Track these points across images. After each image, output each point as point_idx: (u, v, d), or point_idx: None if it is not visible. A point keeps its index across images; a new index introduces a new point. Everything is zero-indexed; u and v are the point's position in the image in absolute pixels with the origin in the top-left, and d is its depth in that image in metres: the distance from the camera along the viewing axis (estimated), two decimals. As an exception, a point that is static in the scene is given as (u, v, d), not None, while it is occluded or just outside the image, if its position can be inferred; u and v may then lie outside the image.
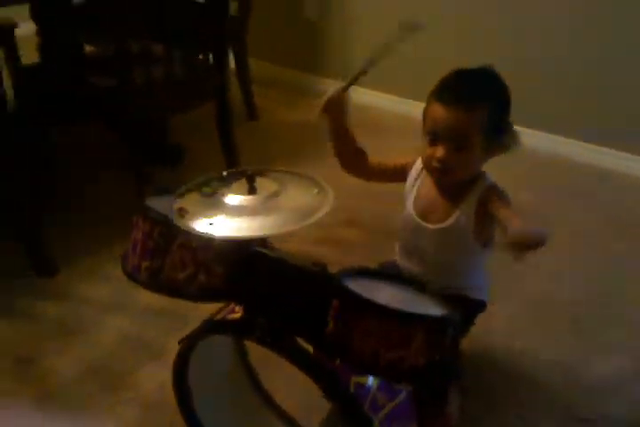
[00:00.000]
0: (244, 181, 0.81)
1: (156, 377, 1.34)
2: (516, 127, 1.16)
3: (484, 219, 1.14)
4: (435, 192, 1.18)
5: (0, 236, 1.72)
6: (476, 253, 1.21)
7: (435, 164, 1.12)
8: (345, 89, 1.14)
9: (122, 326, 1.50)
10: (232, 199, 0.80)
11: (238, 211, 0.78)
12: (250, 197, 0.79)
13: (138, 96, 1.69)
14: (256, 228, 0.75)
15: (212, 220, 0.78)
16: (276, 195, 0.78)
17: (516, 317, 1.56)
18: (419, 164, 1.21)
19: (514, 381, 1.38)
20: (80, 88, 1.81)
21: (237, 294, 0.92)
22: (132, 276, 0.94)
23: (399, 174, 1.24)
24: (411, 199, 1.21)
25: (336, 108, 1.16)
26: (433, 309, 0.85)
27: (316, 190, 0.81)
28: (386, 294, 0.85)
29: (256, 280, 0.90)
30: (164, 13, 1.74)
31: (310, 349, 0.89)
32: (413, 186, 1.22)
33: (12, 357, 1.40)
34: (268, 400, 1.22)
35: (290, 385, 1.29)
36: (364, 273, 0.88)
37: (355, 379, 0.90)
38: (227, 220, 0.77)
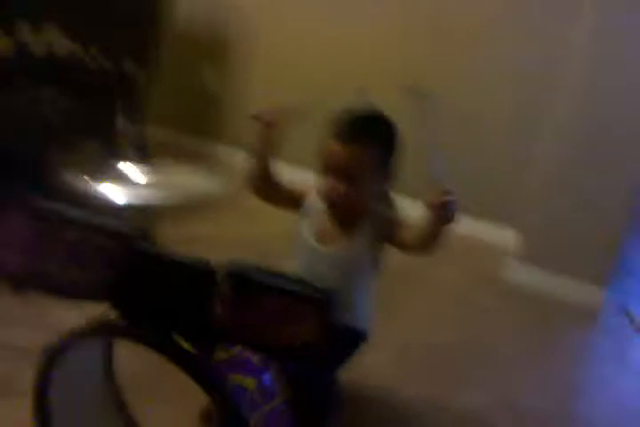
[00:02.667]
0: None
1: (6, 416, 1.22)
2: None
3: (378, 242, 1.23)
4: (332, 220, 1.25)
5: None
6: (366, 279, 1.28)
7: (331, 196, 1.20)
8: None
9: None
10: (125, 168, 0.80)
11: (131, 181, 0.78)
12: (142, 168, 0.80)
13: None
14: (139, 196, 0.75)
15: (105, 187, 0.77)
16: (165, 168, 0.80)
17: (387, 355, 1.61)
18: (315, 194, 1.27)
19: (387, 412, 1.40)
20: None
21: (112, 292, 0.89)
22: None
23: (296, 201, 1.29)
24: (307, 225, 1.27)
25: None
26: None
27: (204, 174, 0.83)
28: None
29: (136, 276, 0.88)
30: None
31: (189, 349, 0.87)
32: (309, 213, 1.27)
33: None
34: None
35: (164, 418, 1.23)
36: (250, 268, 0.89)
37: (232, 377, 0.89)
38: (119, 189, 0.77)
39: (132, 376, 1.20)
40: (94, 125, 1.85)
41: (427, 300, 1.95)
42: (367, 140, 1.18)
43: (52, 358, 0.95)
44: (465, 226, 2.35)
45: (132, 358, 1.18)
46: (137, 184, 0.79)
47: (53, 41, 1.67)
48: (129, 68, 2.15)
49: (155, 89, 2.41)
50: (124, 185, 0.80)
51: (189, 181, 0.82)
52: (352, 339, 1.27)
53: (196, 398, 1.15)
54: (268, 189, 1.27)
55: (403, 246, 1.21)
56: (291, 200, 1.29)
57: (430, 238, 1.13)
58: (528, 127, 2.36)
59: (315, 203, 1.28)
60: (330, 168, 1.19)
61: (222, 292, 0.82)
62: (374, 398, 1.45)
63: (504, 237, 2.30)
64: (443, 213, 1.07)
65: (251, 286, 0.81)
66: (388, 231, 1.22)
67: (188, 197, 0.79)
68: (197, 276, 0.86)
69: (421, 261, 2.11)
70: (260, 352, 0.91)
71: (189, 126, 2.91)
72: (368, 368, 1.52)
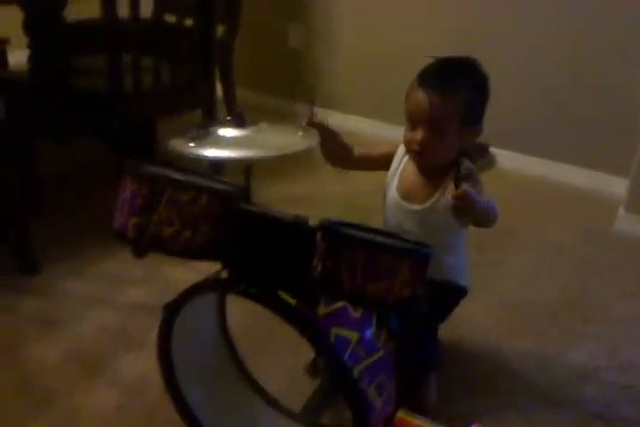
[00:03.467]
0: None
1: (137, 365, 1.35)
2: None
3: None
4: (416, 176, 1.24)
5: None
6: (456, 233, 1.26)
7: (414, 146, 1.18)
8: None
9: (104, 319, 1.50)
10: (222, 133, 0.85)
11: (228, 142, 0.83)
12: (238, 131, 0.85)
13: (127, 99, 1.76)
14: (239, 154, 0.80)
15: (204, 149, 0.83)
16: (261, 130, 0.84)
17: (491, 312, 1.60)
18: (400, 150, 1.28)
19: (491, 369, 1.40)
20: (69, 95, 1.87)
21: (221, 251, 0.95)
22: (119, 233, 0.96)
23: (383, 163, 1.30)
24: (394, 183, 1.27)
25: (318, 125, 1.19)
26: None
27: (300, 133, 0.86)
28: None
29: (240, 235, 0.93)
30: (156, 32, 1.84)
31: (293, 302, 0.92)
32: (397, 171, 1.28)
33: (-9, 346, 1.40)
34: (250, 381, 1.23)
35: (272, 369, 1.31)
36: (344, 224, 0.92)
37: (335, 330, 0.93)
38: (217, 150, 0.82)
39: (244, 331, 1.29)
40: (194, 91, 1.94)
41: (534, 254, 1.90)
42: (452, 87, 1.15)
43: (172, 313, 1.04)
44: (579, 177, 2.31)
45: (243, 314, 1.27)
46: (236, 145, 0.84)
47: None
48: (221, 33, 2.22)
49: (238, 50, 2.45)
50: (224, 147, 0.85)
51: (284, 139, 0.86)
52: (449, 294, 1.27)
53: (302, 351, 1.24)
54: (346, 160, 1.29)
55: None
56: (378, 163, 1.30)
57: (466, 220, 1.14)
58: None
59: (401, 159, 1.27)
60: (415, 117, 1.17)
61: (319, 247, 0.85)
62: (480, 354, 1.45)
63: (619, 188, 2.18)
64: (462, 204, 1.07)
65: (346, 241, 0.84)
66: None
67: (284, 153, 0.83)
68: (297, 232, 0.89)
69: (530, 216, 2.09)
70: (358, 305, 0.94)
71: (274, 87, 2.92)
72: (472, 324, 1.53)
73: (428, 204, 1.22)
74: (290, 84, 2.93)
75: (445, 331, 1.39)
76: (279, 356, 1.37)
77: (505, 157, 2.47)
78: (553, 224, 2.08)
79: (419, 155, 1.20)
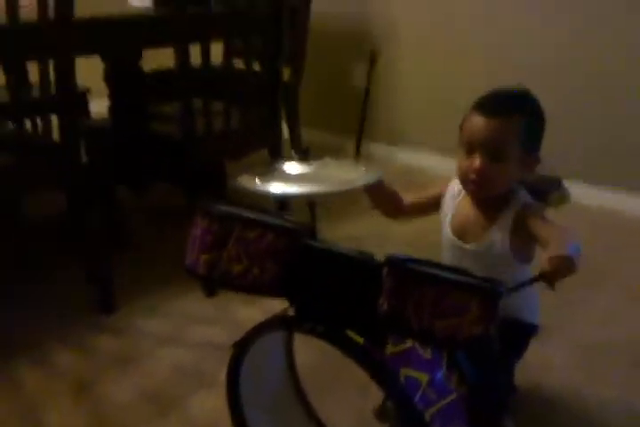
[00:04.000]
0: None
1: (208, 403, 1.36)
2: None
3: (522, 235, 1.13)
4: (471, 210, 1.19)
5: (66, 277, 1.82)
6: (518, 270, 1.19)
7: (471, 175, 1.13)
8: (357, 152, 1.20)
9: (177, 357, 1.53)
10: (288, 168, 0.87)
11: (293, 178, 0.85)
12: (303, 166, 0.86)
13: (199, 143, 1.83)
14: (303, 190, 0.81)
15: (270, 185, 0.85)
16: (325, 165, 0.85)
17: (571, 356, 1.52)
18: (452, 186, 1.24)
19: (571, 418, 1.33)
20: (146, 140, 1.96)
21: (288, 289, 0.95)
22: (191, 269, 0.99)
23: (433, 205, 1.26)
24: (448, 220, 1.22)
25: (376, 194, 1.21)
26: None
27: (364, 168, 0.87)
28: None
29: (306, 273, 0.94)
30: (226, 78, 1.93)
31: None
32: (450, 208, 1.23)
33: (70, 383, 1.44)
34: (317, 423, 1.21)
35: (340, 411, 1.29)
36: (411, 260, 0.90)
37: (405, 371, 0.90)
38: (282, 185, 0.84)
39: (312, 371, 1.28)
40: (262, 133, 2.00)
41: (615, 294, 1.81)
42: (509, 113, 1.12)
43: (240, 351, 1.04)
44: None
45: (311, 354, 1.26)
46: (300, 181, 0.86)
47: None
48: (286, 75, 2.30)
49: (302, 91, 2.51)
50: (289, 182, 0.87)
51: (348, 174, 0.87)
52: (518, 332, 1.21)
53: (371, 393, 1.21)
54: (398, 212, 1.27)
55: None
56: (429, 206, 1.27)
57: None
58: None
59: (454, 195, 1.23)
60: (471, 143, 1.12)
61: (386, 284, 0.84)
62: (556, 399, 1.38)
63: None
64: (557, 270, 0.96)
65: (412, 276, 0.82)
66: (522, 221, 1.12)
67: (348, 187, 0.84)
68: (363, 268, 0.89)
69: (610, 253, 1.99)
70: (426, 344, 0.92)
71: (339, 125, 2.95)
72: (548, 368, 1.46)
73: (483, 242, 1.15)
74: (354, 122, 2.96)
75: (523, 375, 1.33)
76: (347, 398, 1.35)
77: (579, 190, 2.38)
78: (637, 264, 1.98)
79: (476, 185, 1.14)
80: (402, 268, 0.83)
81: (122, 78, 2.06)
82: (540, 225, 1.10)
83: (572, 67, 2.36)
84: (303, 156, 0.89)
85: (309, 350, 1.40)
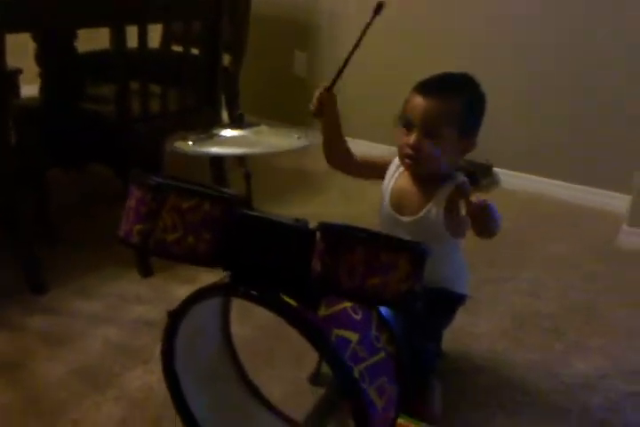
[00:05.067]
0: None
1: (143, 379, 1.36)
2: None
3: (454, 213, 1.21)
4: (408, 186, 1.26)
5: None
6: (448, 243, 1.27)
7: (407, 150, 1.20)
8: (330, 87, 1.24)
9: (111, 335, 1.52)
10: (223, 133, 0.89)
11: (226, 141, 0.87)
12: (238, 132, 0.89)
13: (134, 123, 1.82)
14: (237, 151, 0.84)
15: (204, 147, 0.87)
16: (260, 132, 0.88)
17: (498, 325, 1.61)
18: (396, 161, 1.30)
19: (496, 379, 1.41)
20: (79, 121, 1.93)
21: (223, 257, 0.97)
22: (124, 240, 0.99)
23: (380, 169, 1.32)
24: (387, 194, 1.29)
25: (327, 107, 1.25)
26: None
27: (297, 136, 0.90)
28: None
29: (241, 240, 0.96)
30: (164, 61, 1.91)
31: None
32: (389, 182, 1.30)
33: (1, 363, 1.41)
34: (254, 392, 1.24)
35: (276, 380, 1.32)
36: (344, 226, 0.94)
37: (336, 331, 0.94)
38: (215, 148, 0.86)
39: (248, 342, 1.30)
40: (200, 115, 2.00)
41: (541, 269, 1.91)
42: (449, 94, 1.18)
43: (176, 320, 1.06)
44: (581, 195, 2.34)
45: (248, 326, 1.29)
46: (233, 144, 0.88)
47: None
48: (227, 61, 2.30)
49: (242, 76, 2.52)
50: (222, 145, 0.90)
51: (281, 139, 0.91)
52: (446, 300, 1.28)
53: (305, 364, 1.25)
54: (344, 161, 1.32)
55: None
56: (376, 169, 1.32)
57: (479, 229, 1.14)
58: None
59: (395, 170, 1.29)
60: (410, 121, 1.19)
61: (318, 247, 0.87)
62: (483, 365, 1.45)
63: (621, 204, 2.22)
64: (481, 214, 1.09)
65: (344, 238, 0.86)
66: (453, 201, 1.20)
67: (278, 150, 0.88)
68: (297, 234, 0.92)
69: (535, 233, 2.11)
70: (356, 301, 0.96)
71: (278, 113, 2.90)
72: (476, 336, 1.54)
73: (419, 215, 1.22)
74: (293, 110, 2.98)
75: (451, 343, 1.41)
76: (282, 368, 1.38)
77: (508, 177, 2.52)
78: (558, 240, 2.10)
79: (411, 159, 1.20)
80: (334, 231, 0.87)
81: (53, 57, 2.01)
82: (469, 203, 1.17)
83: (514, 60, 2.46)
84: (238, 121, 0.92)
85: (245, 323, 1.43)
